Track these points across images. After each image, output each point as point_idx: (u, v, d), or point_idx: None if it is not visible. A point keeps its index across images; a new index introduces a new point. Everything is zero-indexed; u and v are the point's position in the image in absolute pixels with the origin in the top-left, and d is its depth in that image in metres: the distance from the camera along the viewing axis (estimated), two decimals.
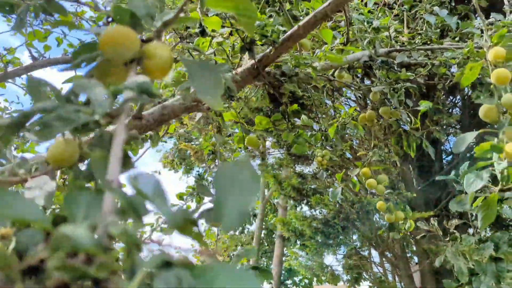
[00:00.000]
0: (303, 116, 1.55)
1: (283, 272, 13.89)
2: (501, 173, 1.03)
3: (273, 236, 14.15)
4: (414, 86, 1.77)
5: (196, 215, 0.35)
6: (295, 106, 1.53)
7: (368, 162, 1.93)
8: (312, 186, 6.93)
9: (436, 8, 2.15)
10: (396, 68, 1.96)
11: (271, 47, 1.36)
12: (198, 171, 18.91)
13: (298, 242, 8.98)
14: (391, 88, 1.77)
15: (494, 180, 1.10)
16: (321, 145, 2.53)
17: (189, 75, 0.47)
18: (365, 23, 1.98)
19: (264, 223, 15.38)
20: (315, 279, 8.55)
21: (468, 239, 2.89)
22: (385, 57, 1.98)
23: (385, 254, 7.19)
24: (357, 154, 2.02)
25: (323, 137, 2.78)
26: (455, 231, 2.86)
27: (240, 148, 2.53)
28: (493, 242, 2.90)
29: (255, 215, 17.75)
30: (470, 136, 1.04)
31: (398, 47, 1.97)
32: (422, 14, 2.10)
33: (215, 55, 1.39)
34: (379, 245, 6.86)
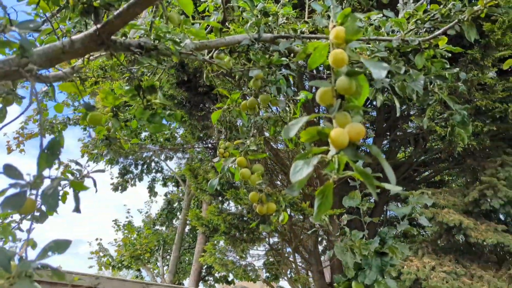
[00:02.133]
0: (159, 94, 1.41)
1: (204, 268, 13.74)
2: (332, 161, 0.96)
3: (197, 231, 13.93)
4: (292, 74, 1.70)
5: None
6: (151, 81, 1.38)
7: (245, 151, 1.84)
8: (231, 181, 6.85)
9: None
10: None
11: (116, 13, 1.20)
12: (122, 162, 18.15)
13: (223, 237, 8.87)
14: (268, 74, 1.68)
15: None
16: (225, 137, 2.42)
17: None
18: (252, 5, 1.88)
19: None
20: (231, 275, 8.50)
21: (356, 234, 2.92)
22: (270, 43, 1.90)
23: (299, 250, 7.31)
24: (234, 143, 1.92)
25: (228, 128, 2.66)
26: (344, 226, 2.88)
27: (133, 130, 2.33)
28: (380, 237, 2.97)
29: (180, 210, 17.42)
30: (301, 121, 0.96)
31: (283, 34, 1.90)
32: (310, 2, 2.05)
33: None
34: (292, 240, 6.95)
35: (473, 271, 5.97)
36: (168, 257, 16.19)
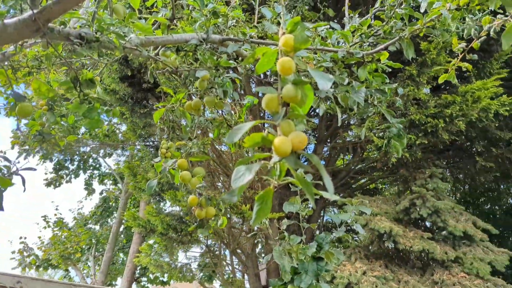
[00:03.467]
0: (98, 89, 1.34)
1: (138, 268, 13.34)
2: (274, 168, 0.96)
3: (133, 231, 13.49)
4: (239, 78, 1.69)
5: None
6: (90, 75, 1.31)
7: (186, 153, 1.80)
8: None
9: (277, 4, 2.12)
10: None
11: None
12: (58, 157, 17.21)
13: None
14: (215, 76, 1.66)
15: None
16: (167, 137, 2.35)
17: None
18: (202, 4, 1.85)
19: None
20: (166, 276, 8.31)
21: (295, 239, 2.97)
22: (219, 44, 1.88)
23: (236, 252, 7.31)
24: (176, 144, 1.88)
25: (171, 128, 2.58)
26: (284, 231, 2.92)
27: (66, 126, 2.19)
28: (317, 243, 3.04)
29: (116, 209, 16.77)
30: (246, 126, 0.95)
31: (232, 36, 1.88)
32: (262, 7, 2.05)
33: None
34: (230, 243, 6.93)
35: (400, 276, 6.30)
36: (100, 256, 15.52)
